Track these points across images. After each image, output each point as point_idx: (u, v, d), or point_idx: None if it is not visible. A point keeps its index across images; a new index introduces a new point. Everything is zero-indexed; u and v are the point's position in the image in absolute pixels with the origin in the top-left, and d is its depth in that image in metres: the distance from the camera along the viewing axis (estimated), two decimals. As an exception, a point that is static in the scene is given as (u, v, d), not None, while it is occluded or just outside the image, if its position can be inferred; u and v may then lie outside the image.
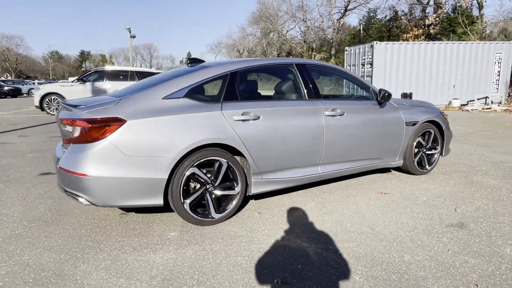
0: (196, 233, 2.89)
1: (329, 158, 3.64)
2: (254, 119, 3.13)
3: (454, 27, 20.34)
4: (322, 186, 4.03)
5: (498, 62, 14.10)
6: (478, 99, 14.17)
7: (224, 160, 2.99)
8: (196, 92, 3.04)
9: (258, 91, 3.79)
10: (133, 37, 33.89)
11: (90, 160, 2.60)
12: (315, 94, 3.60)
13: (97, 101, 2.93)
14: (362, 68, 14.05)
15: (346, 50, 15.42)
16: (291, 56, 48.03)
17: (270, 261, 2.43)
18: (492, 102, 14.24)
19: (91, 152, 2.60)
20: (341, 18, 37.19)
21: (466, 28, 18.27)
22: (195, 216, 2.94)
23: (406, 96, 13.13)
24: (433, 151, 4.55)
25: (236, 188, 3.10)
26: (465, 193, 3.77)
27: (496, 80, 14.23)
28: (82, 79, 13.01)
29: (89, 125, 2.60)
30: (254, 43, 63.41)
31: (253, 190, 3.24)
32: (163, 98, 2.89)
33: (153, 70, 15.20)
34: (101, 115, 2.64)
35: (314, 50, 41.78)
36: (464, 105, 14.10)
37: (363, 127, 3.81)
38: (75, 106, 2.82)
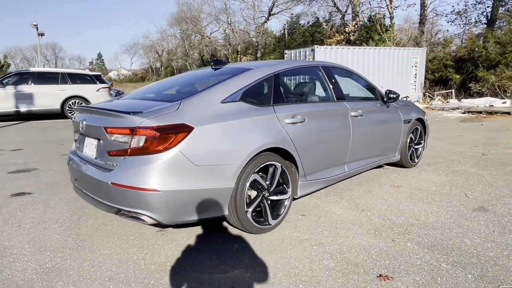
0: (258, 242, 2.77)
1: (353, 156, 3.81)
2: (301, 122, 3.12)
3: (371, 34, 22.59)
4: (337, 185, 4.18)
5: (415, 66, 16.12)
6: (401, 98, 16.02)
7: (279, 164, 2.93)
8: (248, 95, 2.91)
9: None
10: (41, 34, 30.15)
11: (160, 173, 2.32)
12: (341, 96, 3.73)
13: (147, 105, 2.63)
14: (303, 70, 14.82)
15: (285, 53, 16.04)
16: (215, 58, 47.92)
17: (357, 260, 2.47)
18: (411, 101, 16.25)
19: (160, 164, 2.31)
20: (265, 22, 38.42)
21: (383, 34, 20.46)
22: (257, 225, 2.81)
23: None
24: (419, 146, 5.05)
25: (288, 192, 3.06)
26: (460, 181, 4.28)
27: (414, 81, 16.24)
28: (1, 82, 11.20)
29: (158, 134, 2.31)
30: (174, 45, 61.76)
31: (299, 192, 3.23)
32: (221, 102, 2.71)
33: (87, 71, 13.80)
34: (169, 121, 2.37)
35: (239, 53, 42.35)
36: (389, 103, 15.80)
37: (377, 126, 4.07)
38: (121, 112, 2.48)
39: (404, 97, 16.14)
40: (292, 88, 3.68)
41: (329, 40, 25.72)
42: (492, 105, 12.34)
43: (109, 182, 2.41)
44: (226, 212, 2.64)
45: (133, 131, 2.34)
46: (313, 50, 14.03)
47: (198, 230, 2.99)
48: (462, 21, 21.72)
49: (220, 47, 46.74)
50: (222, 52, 46.07)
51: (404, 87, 16.11)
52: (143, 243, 2.76)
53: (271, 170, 2.90)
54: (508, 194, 3.76)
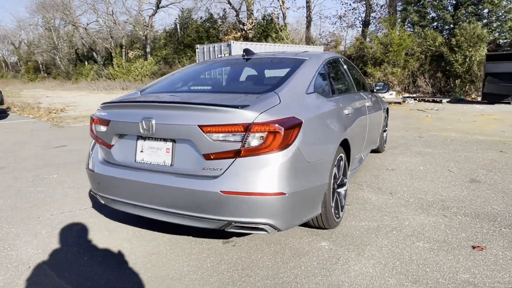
0: (341, 237, 2.73)
1: (367, 145, 4.05)
2: (352, 113, 3.17)
3: (268, 32, 23.79)
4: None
5: (315, 63, 17.81)
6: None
7: (344, 155, 2.92)
8: (317, 86, 2.80)
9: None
10: None
11: (284, 174, 2.07)
12: (358, 87, 3.91)
13: (233, 98, 2.30)
14: (218, 66, 14.72)
15: (197, 48, 15.59)
16: (94, 53, 43.29)
17: (439, 237, 2.68)
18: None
19: (283, 163, 2.06)
20: (153, 15, 36.41)
21: (282, 32, 21.80)
22: (336, 219, 2.76)
23: None
24: (385, 132, 5.66)
25: (346, 183, 3.08)
26: (432, 160, 4.97)
27: (315, 76, 17.93)
28: None
29: (283, 129, 2.04)
30: (37, 35, 52.98)
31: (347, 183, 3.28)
32: (306, 93, 2.54)
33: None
34: (281, 115, 2.11)
35: (124, 47, 39.13)
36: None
37: (376, 115, 4.40)
38: (225, 106, 2.11)
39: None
40: (333, 80, 3.68)
41: (226, 37, 26.03)
42: (383, 97, 14.54)
43: (219, 191, 2.02)
44: (320, 211, 2.51)
45: (248, 128, 2.01)
46: (229, 45, 14.02)
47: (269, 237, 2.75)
48: (341, 24, 24.77)
49: (100, 39, 42.25)
50: (103, 45, 41.81)
51: (308, 82, 17.60)
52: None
53: (341, 163, 2.88)
54: (480, 167, 4.55)
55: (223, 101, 2.23)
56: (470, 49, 13.97)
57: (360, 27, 24.49)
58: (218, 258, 2.45)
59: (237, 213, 2.04)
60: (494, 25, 15.39)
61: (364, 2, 22.92)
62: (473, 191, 3.65)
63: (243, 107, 2.07)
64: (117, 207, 2.55)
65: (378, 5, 23.81)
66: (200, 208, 2.10)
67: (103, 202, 2.64)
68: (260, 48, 15.05)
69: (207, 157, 2.10)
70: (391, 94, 14.99)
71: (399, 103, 12.95)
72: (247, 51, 3.31)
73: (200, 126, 2.08)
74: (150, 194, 2.27)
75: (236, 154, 2.04)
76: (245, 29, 25.09)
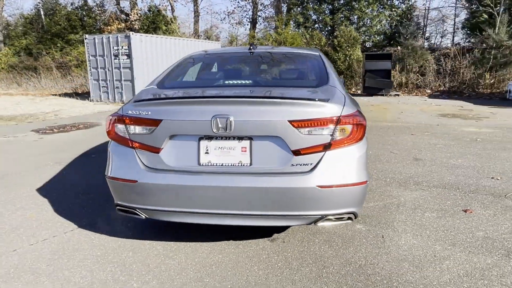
0: (363, 217, 3.00)
1: None
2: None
3: (157, 24, 22.59)
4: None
5: (214, 58, 17.85)
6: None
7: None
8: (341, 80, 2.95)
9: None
10: None
11: (364, 163, 2.18)
12: None
13: (302, 92, 2.27)
14: (115, 59, 13.23)
15: (86, 38, 13.70)
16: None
17: (443, 205, 3.21)
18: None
19: (363, 153, 2.17)
20: (4, -4, 30.24)
21: (173, 24, 21.01)
22: None
23: None
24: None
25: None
26: (369, 145, 5.72)
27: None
28: None
29: (364, 121, 2.13)
30: None
31: None
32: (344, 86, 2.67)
33: None
34: (355, 108, 2.20)
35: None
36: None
37: None
38: (313, 100, 2.11)
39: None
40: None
41: (109, 28, 23.69)
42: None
43: (315, 186, 2.00)
44: None
45: (337, 121, 2.04)
46: (128, 37, 12.85)
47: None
48: (230, 20, 25.36)
49: None
50: None
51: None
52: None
53: None
54: (410, 148, 5.45)
55: (301, 95, 2.19)
56: (349, 49, 16.22)
57: (247, 24, 25.56)
58: (280, 256, 2.40)
59: (331, 206, 2.06)
60: (364, 29, 18.21)
61: (251, 0, 23.97)
62: (424, 167, 4.41)
63: (328, 100, 2.08)
64: (168, 218, 2.23)
65: (263, 5, 25.24)
66: (291, 205, 2.04)
67: (144, 216, 2.25)
68: (161, 42, 14.27)
69: (296, 153, 2.04)
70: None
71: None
72: (252, 45, 3.22)
73: (291, 121, 2.00)
74: (223, 199, 2.06)
75: (326, 147, 2.05)
76: (130, 19, 23.26)
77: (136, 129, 2.18)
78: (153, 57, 13.85)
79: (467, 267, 2.25)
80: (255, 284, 2.10)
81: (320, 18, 19.38)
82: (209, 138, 2.10)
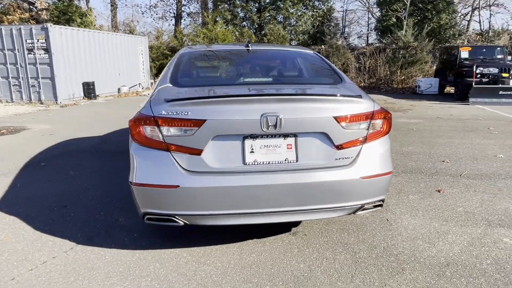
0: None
1: None
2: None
3: (70, 15, 20.42)
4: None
5: (142, 53, 16.77)
6: (131, 86, 16.28)
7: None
8: None
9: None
10: None
11: (390, 153, 2.37)
12: None
13: (331, 89, 2.38)
14: (29, 54, 11.59)
15: (-9, 29, 11.72)
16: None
17: (420, 188, 3.62)
18: (142, 88, 16.92)
19: (389, 144, 2.36)
20: None
21: (90, 17, 19.26)
22: None
23: (89, 85, 13.00)
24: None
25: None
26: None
27: (143, 68, 16.92)
28: None
29: (390, 115, 2.32)
30: None
31: None
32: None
33: None
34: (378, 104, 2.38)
35: None
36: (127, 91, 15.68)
37: None
38: (350, 96, 2.24)
39: (136, 84, 16.64)
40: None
41: (9, 17, 20.69)
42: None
43: (359, 177, 2.12)
44: None
45: (372, 115, 2.19)
46: (45, 29, 11.39)
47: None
48: (151, 15, 24.20)
49: None
50: None
51: (137, 74, 16.53)
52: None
53: None
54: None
55: (340, 92, 2.28)
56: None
57: (171, 19, 24.69)
58: (310, 248, 2.49)
59: (369, 195, 2.21)
60: (290, 28, 19.06)
61: (174, -5, 23.22)
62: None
63: (361, 97, 2.22)
64: (212, 222, 2.13)
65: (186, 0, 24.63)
66: (337, 198, 2.13)
67: (183, 223, 2.11)
68: (84, 36, 13.00)
69: (339, 147, 2.13)
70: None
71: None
72: (248, 43, 3.20)
73: (335, 117, 2.09)
74: (271, 197, 2.06)
75: (363, 141, 2.19)
76: (35, 9, 20.65)
77: (173, 131, 2.03)
78: (75, 53, 12.54)
79: (466, 238, 2.62)
80: (304, 278, 2.15)
81: (248, 16, 19.71)
82: (254, 137, 2.07)
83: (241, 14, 20.05)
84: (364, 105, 2.20)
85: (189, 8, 24.12)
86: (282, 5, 18.63)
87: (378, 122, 2.24)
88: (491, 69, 10.52)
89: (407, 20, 16.06)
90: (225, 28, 17.56)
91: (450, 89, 13.65)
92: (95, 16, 21.83)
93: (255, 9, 19.90)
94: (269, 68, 3.11)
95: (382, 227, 2.79)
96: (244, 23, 20.00)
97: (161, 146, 2.06)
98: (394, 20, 17.42)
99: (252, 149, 2.08)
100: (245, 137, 2.07)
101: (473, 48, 12.26)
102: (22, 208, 3.20)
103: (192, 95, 2.15)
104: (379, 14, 19.28)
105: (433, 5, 16.86)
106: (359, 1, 25.15)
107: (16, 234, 2.72)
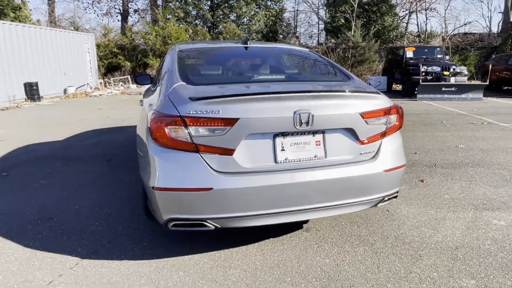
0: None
1: None
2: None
3: (2, 9, 18.46)
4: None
5: (88, 52, 15.68)
6: (79, 86, 15.18)
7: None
8: None
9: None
10: None
11: (402, 146, 2.48)
12: None
13: (340, 84, 2.45)
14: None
15: None
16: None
17: (405, 178, 3.84)
18: (91, 88, 15.84)
19: (401, 138, 2.48)
20: None
21: (25, 10, 17.62)
22: None
23: (32, 86, 11.97)
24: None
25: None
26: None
27: (90, 67, 15.82)
28: None
29: (402, 110, 2.42)
30: None
31: None
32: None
33: None
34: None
35: None
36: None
37: None
38: (369, 92, 2.35)
39: (84, 85, 15.58)
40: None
41: None
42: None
43: (382, 171, 2.20)
44: None
45: (389, 111, 2.28)
46: (-22, 23, 10.19)
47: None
48: (95, 11, 22.82)
49: None
50: None
51: (84, 74, 15.47)
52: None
53: None
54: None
55: (355, 88, 2.33)
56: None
57: (117, 16, 23.46)
58: (328, 243, 2.53)
59: (389, 187, 2.29)
60: (244, 27, 19.08)
61: (120, -10, 22.08)
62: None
63: (379, 93, 2.29)
64: (244, 224, 2.08)
65: (133, -4, 23.55)
66: (363, 191, 2.18)
67: (214, 226, 2.02)
68: (24, 31, 11.84)
69: (362, 142, 2.19)
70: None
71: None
72: (246, 41, 3.14)
73: (361, 113, 2.14)
74: (303, 194, 2.06)
75: (382, 135, 2.27)
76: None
77: (203, 131, 1.94)
78: (14, 51, 11.38)
79: (463, 222, 2.84)
80: (334, 272, 2.18)
81: (200, 14, 19.38)
82: (285, 134, 2.05)
83: (194, 12, 19.66)
84: (383, 101, 2.29)
85: (136, 4, 23.05)
86: (235, 4, 18.60)
87: (393, 117, 2.34)
88: (434, 67, 11.48)
89: (355, 22, 16.94)
90: (178, 26, 17.09)
91: (396, 86, 14.68)
92: (31, 10, 20.03)
93: (208, 7, 19.63)
94: (277, 66, 3.09)
95: (386, 218, 2.92)
96: (197, 21, 19.63)
97: (190, 147, 1.95)
98: (343, 21, 18.26)
99: (283, 147, 2.05)
100: (276, 135, 2.04)
101: (416, 48, 13.29)
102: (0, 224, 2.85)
103: (219, 93, 2.06)
104: (328, 15, 20.08)
105: (378, 8, 17.96)
106: (305, 3, 26.03)
107: (3, 254, 2.41)
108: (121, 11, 22.70)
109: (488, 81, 11.47)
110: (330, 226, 2.78)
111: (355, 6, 17.43)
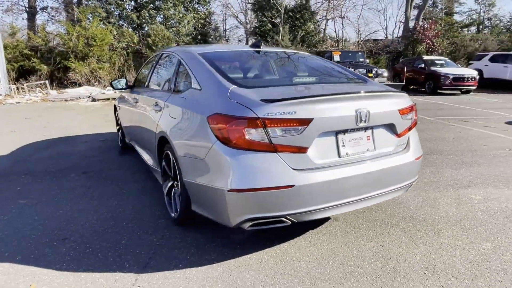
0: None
1: None
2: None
3: None
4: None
5: (-6, 54, 13.62)
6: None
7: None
8: None
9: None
10: None
11: None
12: None
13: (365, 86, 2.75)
14: None
15: None
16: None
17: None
18: (1, 95, 13.78)
19: None
20: None
21: None
22: None
23: None
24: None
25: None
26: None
27: (-2, 72, 13.77)
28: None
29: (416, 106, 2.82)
30: None
31: None
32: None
33: None
34: None
35: None
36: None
37: None
38: (394, 92, 2.62)
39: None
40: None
41: None
42: (104, 93, 14.06)
43: (414, 159, 2.55)
44: None
45: (412, 108, 2.65)
46: None
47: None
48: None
49: None
50: None
51: (-9, 79, 13.42)
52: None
53: None
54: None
55: (386, 89, 2.62)
56: (165, 48, 16.32)
57: (21, 14, 20.79)
58: (362, 229, 2.80)
59: (415, 174, 2.66)
60: (173, 30, 18.56)
61: (24, -15, 19.62)
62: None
63: (404, 92, 2.64)
64: (316, 217, 2.22)
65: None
66: (401, 178, 2.50)
67: (291, 222, 2.12)
68: None
69: (398, 135, 2.51)
70: (108, 90, 14.72)
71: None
72: (256, 44, 3.24)
73: (399, 110, 2.44)
74: (362, 185, 2.28)
75: (409, 129, 2.62)
76: None
77: (280, 131, 2.03)
78: None
79: (452, 200, 3.39)
80: (385, 252, 2.45)
81: (125, 14, 18.33)
82: (344, 131, 2.25)
83: (116, 12, 18.48)
84: (408, 99, 2.65)
85: (46, 1, 20.70)
86: (163, 5, 18.04)
87: (414, 113, 2.72)
88: (360, 70, 12.81)
89: (283, 27, 17.87)
90: (102, 27, 15.91)
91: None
92: None
93: (131, 7, 18.65)
94: (305, 69, 3.22)
95: (392, 202, 3.32)
96: (120, 21, 18.50)
97: (269, 147, 2.03)
98: (270, 26, 19.09)
99: (343, 143, 2.26)
100: (338, 132, 2.23)
101: (342, 53, 14.63)
102: (8, 251, 2.48)
103: (290, 95, 2.16)
104: (256, 20, 20.75)
105: (301, 14, 19.20)
106: (224, 6, 26.37)
107: (41, 281, 2.14)
108: (27, 9, 20.18)
109: (404, 81, 13.24)
110: (352, 214, 3.06)
111: (282, 12, 18.39)
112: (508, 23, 26.81)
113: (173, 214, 2.85)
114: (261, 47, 3.21)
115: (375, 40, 23.22)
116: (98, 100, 12.82)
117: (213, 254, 2.44)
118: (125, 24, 18.45)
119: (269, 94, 2.19)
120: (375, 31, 29.07)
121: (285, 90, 2.39)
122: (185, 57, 2.96)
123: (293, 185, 2.04)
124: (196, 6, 19.86)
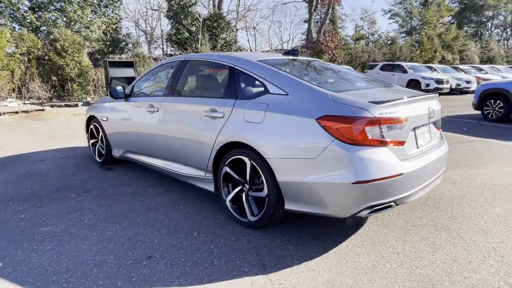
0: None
1: None
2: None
3: None
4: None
5: None
6: None
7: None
8: None
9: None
10: None
11: None
12: None
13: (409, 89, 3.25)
14: None
15: None
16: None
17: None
18: None
19: None
20: None
21: None
22: None
23: None
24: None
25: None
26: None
27: None
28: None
29: None
30: None
31: None
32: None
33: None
34: None
35: None
36: None
37: None
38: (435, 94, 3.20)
39: None
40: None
41: None
42: (6, 105, 12.02)
43: (447, 150, 3.16)
44: None
45: None
46: None
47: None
48: None
49: None
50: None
51: None
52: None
53: None
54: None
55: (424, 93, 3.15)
56: (77, 55, 14.69)
57: None
58: (396, 229, 3.29)
59: (445, 163, 3.26)
60: (84, 34, 16.79)
61: None
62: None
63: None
64: (411, 199, 2.59)
65: None
66: (443, 165, 3.07)
67: (396, 205, 2.45)
68: None
69: (438, 129, 3.09)
70: (10, 102, 12.63)
71: (42, 110, 11.65)
72: (293, 53, 3.46)
73: (440, 108, 3.03)
74: (431, 169, 2.76)
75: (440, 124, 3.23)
76: None
77: (388, 128, 2.37)
78: None
79: (447, 182, 4.16)
80: (428, 245, 2.97)
81: (18, 15, 15.93)
82: (418, 127, 2.70)
83: (6, 12, 15.93)
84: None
85: None
86: (67, 7, 16.27)
87: (438, 110, 3.36)
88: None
89: (204, 35, 17.95)
90: (-3, 29, 13.55)
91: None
92: None
93: (26, 8, 16.33)
94: (347, 76, 3.44)
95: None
96: (14, 24, 16.00)
97: (382, 142, 2.35)
98: (188, 34, 18.94)
99: (417, 136, 2.71)
100: (415, 128, 2.67)
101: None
102: (102, 278, 2.21)
103: (389, 98, 2.49)
104: (171, 27, 20.27)
105: (218, 24, 19.58)
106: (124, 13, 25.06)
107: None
108: None
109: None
110: (375, 218, 3.54)
111: (201, 20, 18.46)
112: (386, 38, 32.06)
113: (248, 218, 2.86)
114: (297, 56, 3.47)
115: (282, 50, 25.14)
116: (5, 113, 10.96)
117: (302, 252, 2.57)
118: (21, 27, 16.07)
119: (368, 98, 2.50)
120: (286, 41, 31.34)
121: (370, 94, 2.73)
122: (245, 65, 3.02)
123: (402, 173, 2.40)
124: (104, 10, 18.45)
